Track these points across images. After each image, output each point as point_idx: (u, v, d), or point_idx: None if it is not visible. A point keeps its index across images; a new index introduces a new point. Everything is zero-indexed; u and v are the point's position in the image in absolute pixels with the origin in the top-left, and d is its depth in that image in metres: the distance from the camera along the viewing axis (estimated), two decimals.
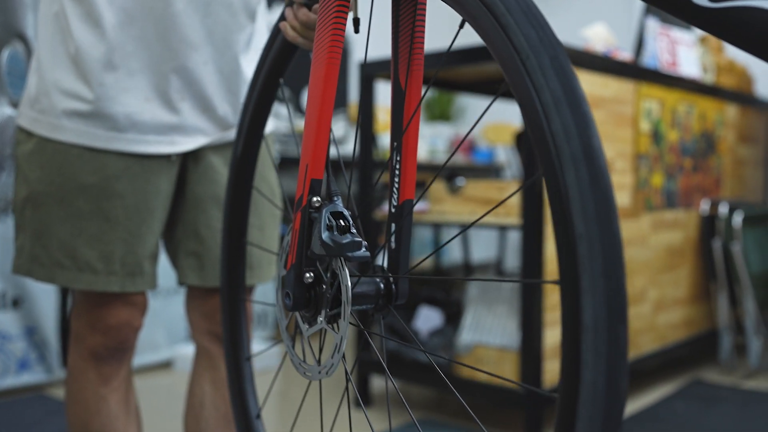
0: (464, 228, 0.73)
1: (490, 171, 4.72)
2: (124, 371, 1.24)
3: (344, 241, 0.73)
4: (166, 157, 1.19)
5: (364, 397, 2.45)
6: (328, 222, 0.74)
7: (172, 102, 1.16)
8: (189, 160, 1.24)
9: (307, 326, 0.78)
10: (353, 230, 0.75)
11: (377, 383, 2.63)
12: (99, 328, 1.19)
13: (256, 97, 1.00)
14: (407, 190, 0.79)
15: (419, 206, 2.51)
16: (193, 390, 1.34)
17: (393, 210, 0.79)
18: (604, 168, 0.53)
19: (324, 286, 0.76)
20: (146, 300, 1.23)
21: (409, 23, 0.79)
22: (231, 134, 1.25)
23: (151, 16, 1.12)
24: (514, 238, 4.39)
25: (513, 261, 4.56)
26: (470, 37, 0.77)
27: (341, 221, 0.75)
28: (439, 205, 2.53)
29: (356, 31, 0.82)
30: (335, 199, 0.77)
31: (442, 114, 5.11)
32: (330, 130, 0.78)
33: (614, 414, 0.51)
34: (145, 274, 1.20)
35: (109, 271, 1.15)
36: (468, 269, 4.40)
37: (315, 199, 0.76)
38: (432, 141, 4.39)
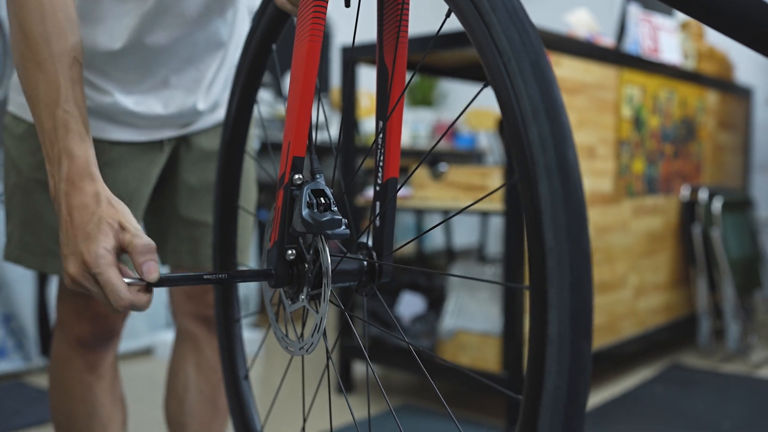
0: (448, 216, 0.72)
1: (472, 157, 4.72)
2: (110, 358, 1.23)
3: (324, 219, 0.72)
4: (158, 145, 1.18)
5: (347, 383, 2.45)
6: (308, 199, 0.73)
7: (165, 98, 1.15)
8: (181, 145, 1.23)
9: (290, 302, 0.77)
10: (334, 208, 0.74)
11: (360, 369, 2.63)
12: (86, 316, 1.17)
13: (248, 62, 0.98)
14: (391, 168, 0.78)
15: (402, 192, 2.50)
16: (176, 373, 1.33)
17: (377, 188, 0.78)
18: (578, 182, 0.53)
19: (306, 264, 0.75)
20: None
21: (393, 3, 0.78)
22: (221, 114, 1.24)
23: (136, 54, 1.09)
24: (497, 223, 4.40)
25: (495, 246, 4.57)
26: (453, 22, 0.76)
27: (322, 199, 0.74)
28: (421, 191, 2.52)
29: (347, 5, 0.81)
30: (317, 176, 0.75)
31: (423, 99, 5.09)
32: (312, 106, 0.77)
33: (574, 427, 0.53)
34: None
35: None
36: (450, 255, 4.40)
37: (297, 176, 0.75)
38: (414, 126, 4.38)
